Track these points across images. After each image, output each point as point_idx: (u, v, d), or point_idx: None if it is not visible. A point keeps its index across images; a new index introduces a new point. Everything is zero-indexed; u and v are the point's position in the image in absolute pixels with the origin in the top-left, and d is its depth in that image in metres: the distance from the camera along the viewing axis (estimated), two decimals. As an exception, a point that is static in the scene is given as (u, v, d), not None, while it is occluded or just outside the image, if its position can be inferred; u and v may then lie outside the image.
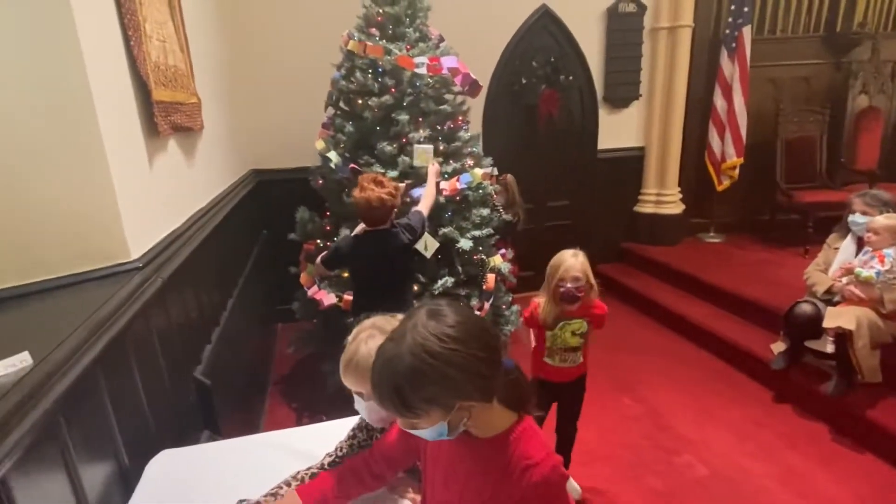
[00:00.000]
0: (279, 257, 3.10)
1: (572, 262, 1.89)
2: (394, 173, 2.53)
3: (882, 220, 2.48)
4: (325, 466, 1.18)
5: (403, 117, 2.53)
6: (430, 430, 0.84)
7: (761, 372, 2.93)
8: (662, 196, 4.48)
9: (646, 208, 4.52)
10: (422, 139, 2.56)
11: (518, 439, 0.88)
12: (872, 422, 2.40)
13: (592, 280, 1.93)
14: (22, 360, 0.94)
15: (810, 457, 2.39)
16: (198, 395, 1.76)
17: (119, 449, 1.22)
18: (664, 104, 4.29)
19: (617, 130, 4.38)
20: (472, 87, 2.76)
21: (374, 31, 2.68)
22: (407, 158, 2.54)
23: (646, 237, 4.51)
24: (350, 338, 1.12)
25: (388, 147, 2.55)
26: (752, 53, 4.08)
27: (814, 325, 2.58)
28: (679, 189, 4.49)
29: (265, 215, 3.58)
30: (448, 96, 2.82)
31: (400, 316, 0.98)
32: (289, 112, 3.54)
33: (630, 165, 4.48)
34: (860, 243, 2.61)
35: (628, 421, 2.70)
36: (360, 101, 2.65)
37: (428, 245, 2.55)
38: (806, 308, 2.62)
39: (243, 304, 2.61)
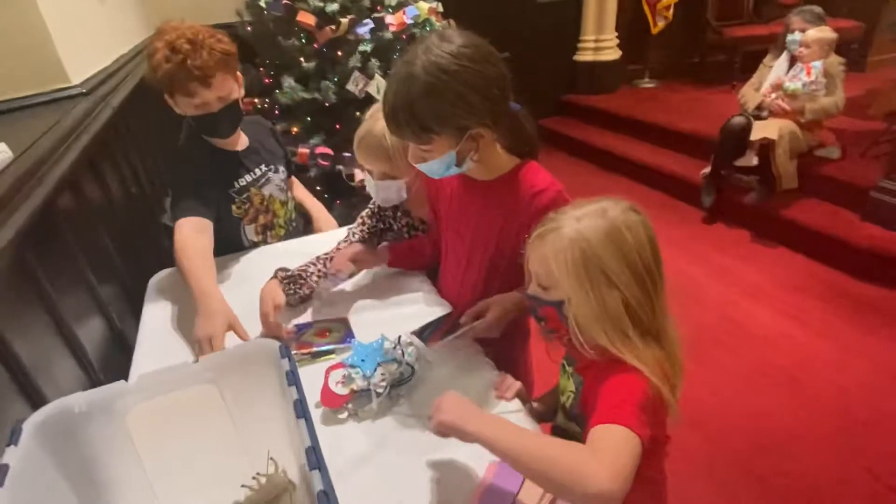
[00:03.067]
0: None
1: None
2: (333, 6, 2.36)
3: (813, 32, 2.64)
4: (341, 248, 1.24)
5: (340, -60, 2.30)
6: (439, 161, 0.88)
7: (697, 196, 3.23)
8: (601, 42, 4.49)
9: (585, 56, 4.54)
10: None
11: (524, 174, 0.95)
12: (789, 220, 2.77)
13: None
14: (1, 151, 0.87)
15: (737, 256, 2.78)
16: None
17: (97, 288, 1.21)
18: (602, -60, 4.14)
19: (555, -28, 4.22)
20: None
21: None
22: (347, -10, 2.35)
23: (585, 86, 4.58)
24: (368, 115, 1.14)
25: (324, -22, 2.34)
26: None
27: (744, 138, 2.80)
28: (616, 34, 4.51)
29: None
30: (383, -81, 2.56)
31: None
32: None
33: (569, 11, 4.40)
34: (793, 60, 2.80)
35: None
36: (284, -74, 2.36)
37: (380, 87, 2.48)
38: (739, 119, 2.82)
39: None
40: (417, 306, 1.13)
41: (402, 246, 1.24)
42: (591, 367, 0.75)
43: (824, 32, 2.60)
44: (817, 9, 2.75)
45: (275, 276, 1.12)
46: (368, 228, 1.29)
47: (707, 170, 3.10)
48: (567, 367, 0.84)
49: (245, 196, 1.36)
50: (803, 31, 2.67)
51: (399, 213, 1.29)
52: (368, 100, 2.51)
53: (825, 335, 2.19)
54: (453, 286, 1.13)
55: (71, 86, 1.32)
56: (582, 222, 0.70)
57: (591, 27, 4.46)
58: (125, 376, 0.99)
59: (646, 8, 4.36)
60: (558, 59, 4.54)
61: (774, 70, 2.84)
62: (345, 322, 1.12)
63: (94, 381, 1.01)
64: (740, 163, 2.93)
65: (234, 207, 1.35)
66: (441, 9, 2.79)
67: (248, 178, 1.37)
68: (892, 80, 3.55)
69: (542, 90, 4.42)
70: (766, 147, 2.72)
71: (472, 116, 0.84)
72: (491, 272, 1.03)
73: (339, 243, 1.26)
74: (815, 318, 2.30)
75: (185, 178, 1.24)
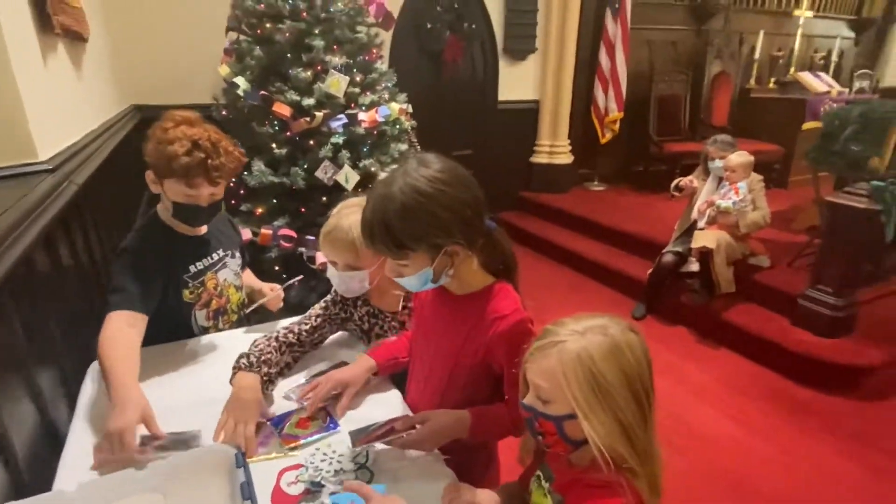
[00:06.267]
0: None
1: None
2: (309, 101, 2.48)
3: (735, 157, 2.98)
4: (303, 333, 1.24)
5: (318, 43, 2.47)
6: (416, 277, 0.91)
7: (640, 292, 3.40)
8: (555, 147, 4.86)
9: (541, 158, 4.88)
10: (339, 66, 2.52)
11: (492, 296, 0.98)
12: (729, 322, 2.94)
13: None
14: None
15: (683, 354, 2.89)
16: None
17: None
18: (557, 60, 4.61)
19: (515, 83, 4.63)
20: (386, 20, 2.77)
21: (280, -49, 2.55)
22: (322, 86, 2.49)
23: (541, 185, 4.88)
24: (334, 211, 1.19)
25: (302, 73, 2.48)
26: (633, 16, 4.53)
27: (676, 272, 3.15)
28: (569, 141, 4.90)
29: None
30: (361, 28, 2.78)
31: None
32: (172, 40, 3.22)
33: (527, 117, 4.79)
34: (720, 180, 3.12)
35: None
36: (268, 25, 2.53)
37: (349, 177, 2.57)
38: (669, 258, 3.15)
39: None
40: (378, 409, 1.12)
41: (384, 355, 1.19)
42: (574, 485, 0.74)
43: (744, 157, 2.93)
44: (728, 137, 3.14)
45: (245, 369, 1.08)
46: (329, 315, 1.29)
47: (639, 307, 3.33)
48: (543, 483, 0.83)
49: (199, 280, 1.34)
50: (722, 157, 3.01)
51: (359, 303, 1.31)
52: (337, 187, 2.59)
53: (767, 437, 2.26)
54: (416, 391, 1.13)
55: (37, 161, 1.31)
56: (586, 337, 0.72)
57: (546, 133, 4.84)
58: (52, 472, 0.92)
59: (595, 121, 4.81)
60: (517, 159, 4.87)
61: (705, 190, 3.15)
62: (322, 408, 1.10)
63: (17, 481, 0.91)
64: (683, 269, 3.15)
65: (186, 292, 1.32)
66: (410, 109, 2.99)
67: (206, 262, 1.37)
68: (810, 198, 3.97)
69: (501, 186, 4.68)
70: (705, 254, 2.95)
71: (446, 236, 0.87)
72: (451, 384, 1.03)
73: (296, 323, 1.26)
74: (756, 419, 2.38)
75: (131, 266, 1.21)
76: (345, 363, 1.23)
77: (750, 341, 2.83)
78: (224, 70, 2.58)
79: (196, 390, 0.98)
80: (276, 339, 1.20)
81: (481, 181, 0.94)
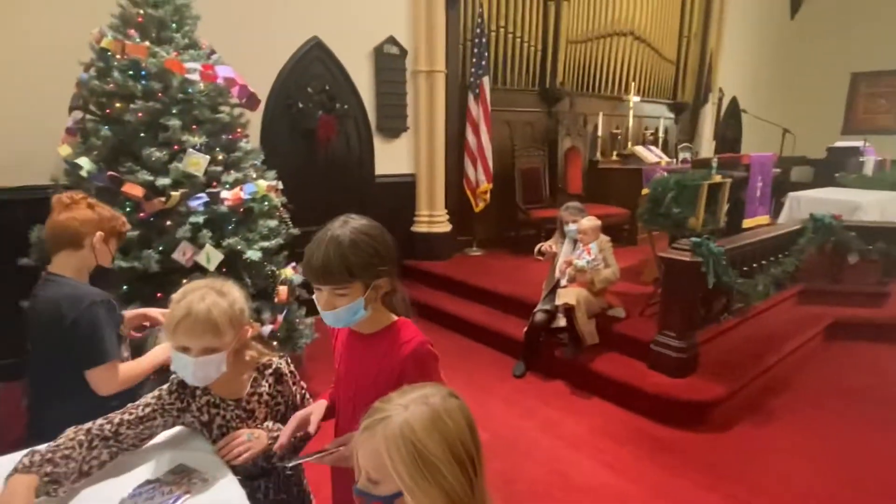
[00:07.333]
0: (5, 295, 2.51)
1: None
2: (164, 181, 2.36)
3: (585, 222, 3.33)
4: (124, 424, 1.13)
5: (175, 122, 2.40)
6: (347, 308, 1.07)
7: (519, 351, 3.54)
8: (434, 217, 5.07)
9: (421, 227, 5.05)
10: (198, 146, 2.46)
11: (398, 330, 1.16)
12: (596, 372, 3.15)
13: None
14: None
15: (560, 408, 3.01)
16: None
17: None
18: (428, 137, 4.92)
19: (391, 158, 4.83)
20: (251, 100, 2.78)
21: (133, 32, 2.49)
22: (179, 165, 2.40)
23: (423, 253, 5.01)
24: (177, 297, 1.14)
25: (157, 153, 2.37)
26: (492, 99, 5.03)
27: (548, 328, 3.37)
28: (446, 210, 5.15)
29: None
30: (224, 108, 2.76)
31: (226, 281, 1.21)
32: (7, 119, 2.94)
33: (405, 190, 4.97)
34: (575, 242, 3.45)
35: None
36: (118, 105, 2.42)
37: (210, 257, 2.44)
38: (541, 317, 3.37)
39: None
40: None
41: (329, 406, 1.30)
42: None
43: (592, 221, 3.29)
44: (578, 204, 3.56)
45: (21, 471, 0.96)
46: (163, 405, 1.18)
47: (525, 329, 3.48)
48: None
49: None
50: (574, 222, 3.36)
51: (199, 392, 1.21)
52: (197, 268, 2.44)
53: (637, 480, 2.39)
54: (346, 429, 1.15)
55: None
56: (409, 410, 0.73)
57: (424, 204, 5.05)
58: None
59: (468, 192, 5.13)
60: (398, 229, 4.97)
61: (563, 251, 3.46)
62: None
63: None
64: (554, 325, 3.37)
65: None
66: (281, 186, 2.96)
67: None
68: (651, 253, 4.50)
69: (383, 256, 4.72)
70: (569, 310, 3.18)
71: (381, 268, 1.09)
72: None
73: (120, 412, 1.14)
74: (627, 464, 2.51)
75: None
76: (184, 466, 1.11)
77: (615, 387, 3.04)
78: (64, 150, 2.39)
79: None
80: (88, 430, 1.08)
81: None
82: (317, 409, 1.25)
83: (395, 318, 1.18)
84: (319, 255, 1.05)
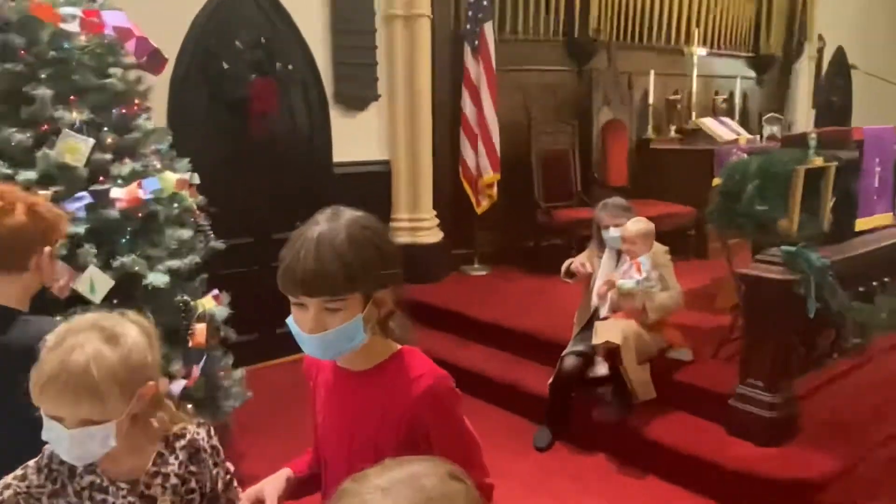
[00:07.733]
0: None
1: None
2: (29, 174, 2.37)
3: (632, 226, 3.35)
4: None
5: (45, 92, 2.42)
6: (343, 329, 1.08)
7: (542, 412, 3.53)
8: (417, 222, 5.10)
9: (400, 237, 5.05)
10: (79, 125, 2.47)
11: (404, 361, 1.19)
12: (652, 441, 3.15)
13: None
14: None
15: (601, 492, 3.01)
16: None
17: None
18: (408, 107, 4.98)
19: (356, 139, 4.88)
20: (153, 59, 2.81)
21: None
22: (51, 152, 2.41)
23: (403, 274, 5.00)
24: (50, 343, 1.12)
25: (18, 136, 2.39)
26: (498, 56, 5.09)
27: (583, 374, 3.35)
28: (435, 213, 5.17)
29: None
30: (115, 71, 2.78)
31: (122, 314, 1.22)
32: None
33: (376, 184, 5.01)
34: (619, 254, 3.47)
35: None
36: (-41, 68, 2.44)
37: (95, 284, 2.44)
38: (572, 361, 3.36)
39: None
40: None
41: (301, 466, 1.37)
42: None
43: (641, 224, 3.32)
44: (620, 200, 3.58)
45: None
46: (29, 489, 1.17)
47: (550, 381, 3.48)
48: None
49: None
50: (617, 225, 3.37)
51: (80, 469, 1.20)
52: (79, 299, 2.43)
53: None
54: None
55: None
56: (391, 495, 0.71)
57: (403, 204, 5.09)
58: None
59: (466, 186, 5.16)
60: (366, 239, 4.98)
61: (602, 268, 3.49)
62: None
63: None
64: (590, 374, 3.36)
65: None
66: (197, 180, 2.98)
67: None
68: (727, 269, 4.53)
69: (345, 279, 4.72)
70: (612, 352, 3.18)
71: (385, 274, 1.11)
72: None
73: None
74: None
75: None
76: None
77: (680, 463, 3.04)
78: None
79: None
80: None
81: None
82: (273, 481, 1.25)
83: (398, 346, 1.22)
84: (310, 255, 1.06)
